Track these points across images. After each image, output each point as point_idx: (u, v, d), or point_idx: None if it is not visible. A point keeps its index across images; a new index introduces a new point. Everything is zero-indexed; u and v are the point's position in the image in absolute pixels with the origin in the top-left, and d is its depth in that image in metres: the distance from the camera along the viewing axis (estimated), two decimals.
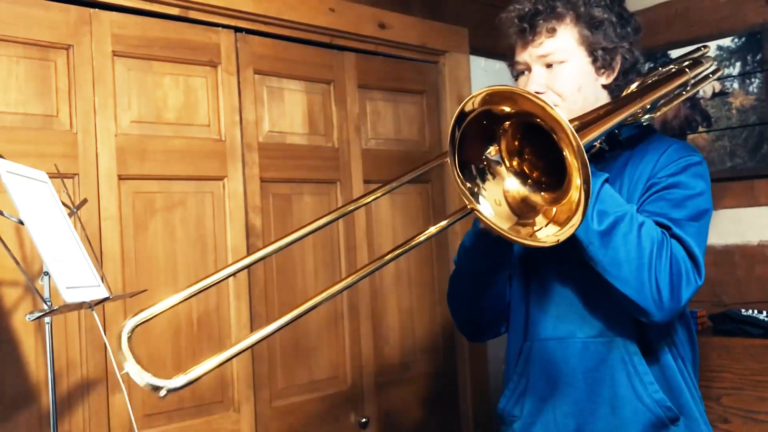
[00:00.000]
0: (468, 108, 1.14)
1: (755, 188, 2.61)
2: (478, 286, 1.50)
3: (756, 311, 2.45)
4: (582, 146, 1.04)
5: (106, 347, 1.79)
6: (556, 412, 1.39)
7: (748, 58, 2.62)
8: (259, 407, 2.12)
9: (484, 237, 1.42)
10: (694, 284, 1.26)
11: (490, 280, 1.48)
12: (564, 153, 1.07)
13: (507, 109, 1.13)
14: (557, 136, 1.07)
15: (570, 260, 1.31)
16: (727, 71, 2.67)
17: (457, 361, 2.70)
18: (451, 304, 1.58)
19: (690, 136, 2.75)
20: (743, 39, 2.63)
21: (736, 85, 2.65)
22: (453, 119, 1.15)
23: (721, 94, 2.69)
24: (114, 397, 1.82)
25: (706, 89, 2.71)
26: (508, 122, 1.17)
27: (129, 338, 1.04)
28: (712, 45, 2.66)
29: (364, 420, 2.36)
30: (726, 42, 2.67)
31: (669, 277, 1.22)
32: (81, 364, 1.78)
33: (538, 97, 1.07)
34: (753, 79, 2.62)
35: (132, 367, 1.01)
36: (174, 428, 1.94)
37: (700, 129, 2.72)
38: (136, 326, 1.06)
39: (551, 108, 1.05)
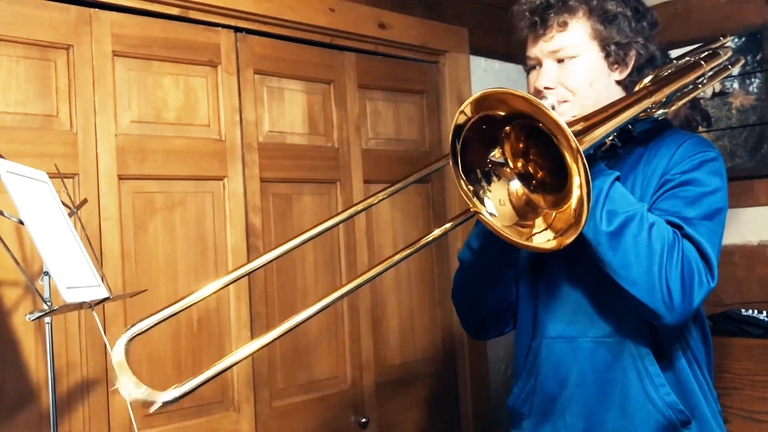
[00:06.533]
0: (462, 120, 1.12)
1: (755, 188, 2.61)
2: (485, 283, 1.46)
3: (756, 311, 2.45)
4: (581, 150, 1.01)
5: (106, 347, 1.79)
6: (566, 413, 1.37)
7: (748, 58, 2.62)
8: (259, 407, 2.12)
9: (492, 236, 1.37)
10: (706, 286, 1.23)
11: (498, 278, 1.46)
12: (564, 156, 1.05)
13: (504, 112, 1.10)
14: (557, 139, 1.05)
15: (579, 258, 1.28)
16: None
17: (457, 362, 2.70)
18: (457, 301, 1.55)
19: None
20: (743, 39, 2.63)
21: (736, 85, 2.65)
22: (451, 132, 1.13)
23: (721, 94, 2.69)
24: (114, 397, 1.82)
25: (706, 89, 2.71)
26: (510, 124, 1.14)
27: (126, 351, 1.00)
28: None
29: (364, 420, 2.36)
30: (726, 42, 2.67)
31: (680, 279, 1.19)
32: (81, 364, 1.78)
33: (534, 99, 1.05)
34: (753, 79, 2.62)
35: (126, 385, 0.98)
36: (174, 428, 1.94)
37: (700, 129, 2.72)
38: (132, 338, 1.03)
39: (548, 110, 1.03)
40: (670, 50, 2.77)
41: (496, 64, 2.86)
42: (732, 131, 2.65)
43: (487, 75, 2.84)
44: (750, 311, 2.45)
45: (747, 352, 2.32)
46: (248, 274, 1.20)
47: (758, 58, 2.60)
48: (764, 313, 2.42)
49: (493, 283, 1.47)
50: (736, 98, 2.65)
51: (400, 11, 2.54)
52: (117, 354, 1.01)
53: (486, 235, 1.38)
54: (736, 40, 2.65)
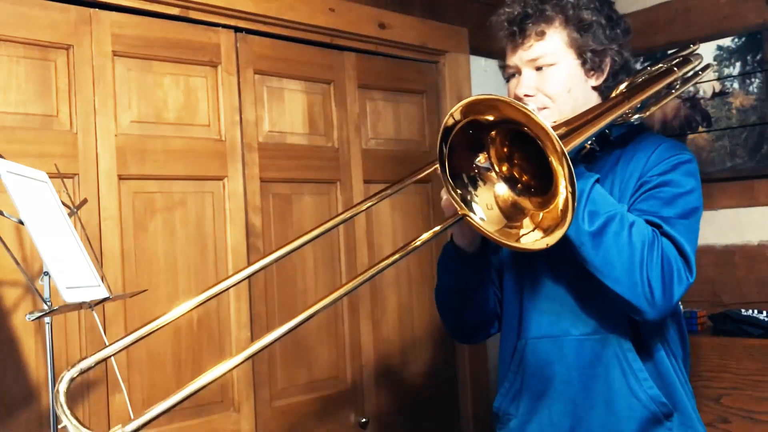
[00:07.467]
0: (450, 123, 1.16)
1: (755, 188, 2.61)
2: (459, 300, 1.52)
3: (756, 311, 2.45)
4: (566, 153, 1.05)
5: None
6: (552, 410, 1.40)
7: (748, 58, 2.62)
8: (259, 407, 2.12)
9: (458, 254, 1.45)
10: (685, 282, 1.28)
11: (470, 294, 1.51)
12: (550, 159, 1.08)
13: (491, 117, 1.14)
14: (542, 143, 1.09)
15: (562, 258, 1.32)
16: (727, 71, 2.67)
17: (457, 361, 2.70)
18: (440, 313, 1.61)
19: (690, 136, 2.74)
20: (743, 39, 2.63)
21: (736, 85, 2.65)
22: (439, 136, 1.17)
23: (721, 94, 2.69)
24: (114, 397, 1.82)
25: (706, 89, 2.71)
26: (495, 129, 1.18)
27: (66, 392, 0.97)
28: (712, 45, 2.66)
29: (363, 420, 2.36)
30: (726, 42, 2.66)
31: (661, 276, 1.24)
32: None
33: (521, 105, 1.09)
34: (753, 79, 2.62)
35: (70, 426, 0.94)
36: (174, 428, 1.94)
37: (700, 129, 2.72)
38: (74, 378, 0.99)
39: (534, 115, 1.07)
40: (669, 50, 2.77)
41: (496, 64, 2.85)
42: (732, 131, 2.65)
43: (487, 75, 2.84)
44: (750, 311, 2.45)
45: (747, 352, 2.32)
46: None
47: (758, 58, 2.60)
48: (764, 313, 2.42)
49: (469, 299, 1.52)
50: (736, 98, 2.65)
51: (400, 11, 2.54)
52: (60, 397, 0.97)
53: (452, 252, 1.45)
54: (736, 40, 2.65)
